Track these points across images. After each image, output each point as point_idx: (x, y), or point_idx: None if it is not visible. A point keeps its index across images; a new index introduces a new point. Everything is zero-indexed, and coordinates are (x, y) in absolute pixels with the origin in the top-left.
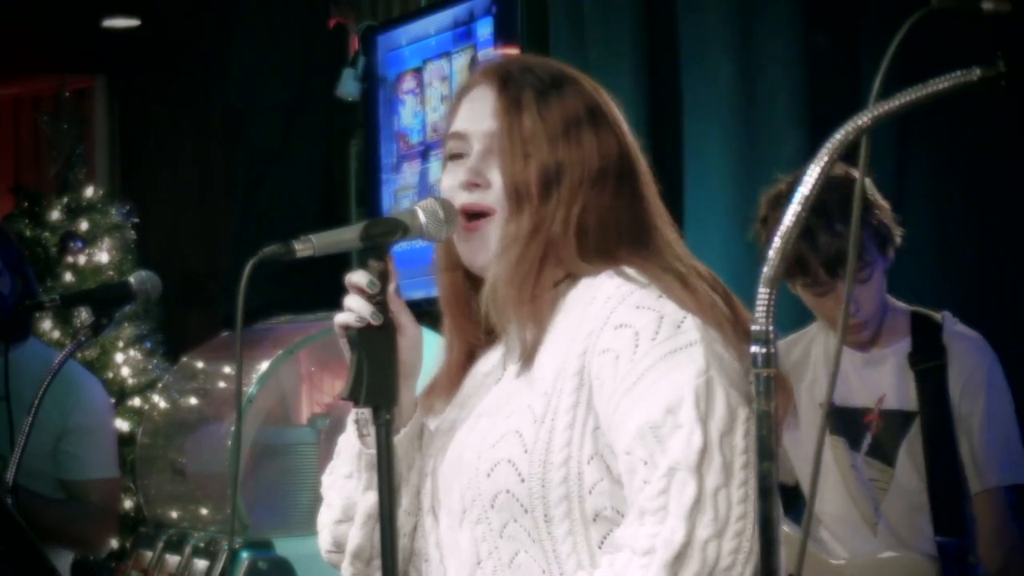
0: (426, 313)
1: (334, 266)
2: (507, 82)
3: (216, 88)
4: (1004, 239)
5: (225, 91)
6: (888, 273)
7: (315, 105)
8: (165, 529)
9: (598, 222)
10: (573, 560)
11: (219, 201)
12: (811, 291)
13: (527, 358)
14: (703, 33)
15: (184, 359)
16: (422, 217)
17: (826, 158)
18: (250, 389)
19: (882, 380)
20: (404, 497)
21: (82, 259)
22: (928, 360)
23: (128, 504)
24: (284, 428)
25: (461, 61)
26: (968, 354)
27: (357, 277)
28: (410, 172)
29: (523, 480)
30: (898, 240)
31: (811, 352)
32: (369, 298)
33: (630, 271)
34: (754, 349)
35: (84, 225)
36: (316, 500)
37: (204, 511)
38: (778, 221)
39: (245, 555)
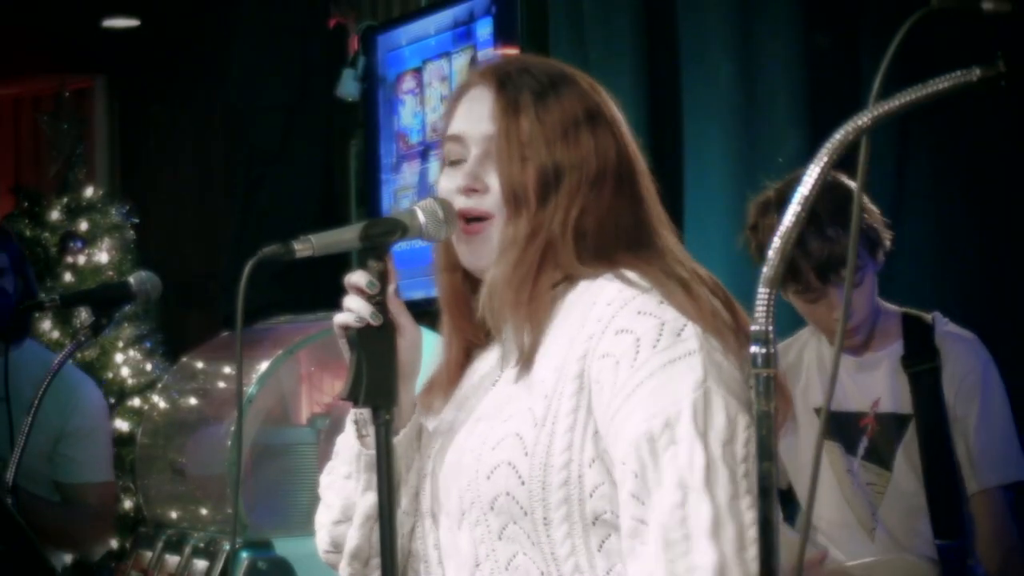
0: (426, 313)
1: (334, 266)
2: (505, 84)
3: (216, 88)
4: (1004, 239)
5: (225, 91)
6: (885, 274)
7: (315, 105)
8: (165, 529)
9: (596, 224)
10: (571, 562)
11: (219, 201)
12: (803, 297)
13: (525, 361)
14: (703, 33)
15: (184, 359)
16: (421, 217)
17: (826, 158)
18: (250, 389)
19: (876, 384)
20: (403, 498)
21: (82, 259)
22: (921, 362)
23: (128, 504)
24: (284, 428)
25: (461, 61)
26: (962, 355)
27: (356, 277)
28: (410, 172)
29: (523, 483)
30: (888, 244)
31: (803, 357)
32: (368, 298)
33: (631, 275)
34: (754, 349)
35: (84, 225)
36: (316, 500)
37: (204, 511)
38: (767, 228)
39: (245, 555)
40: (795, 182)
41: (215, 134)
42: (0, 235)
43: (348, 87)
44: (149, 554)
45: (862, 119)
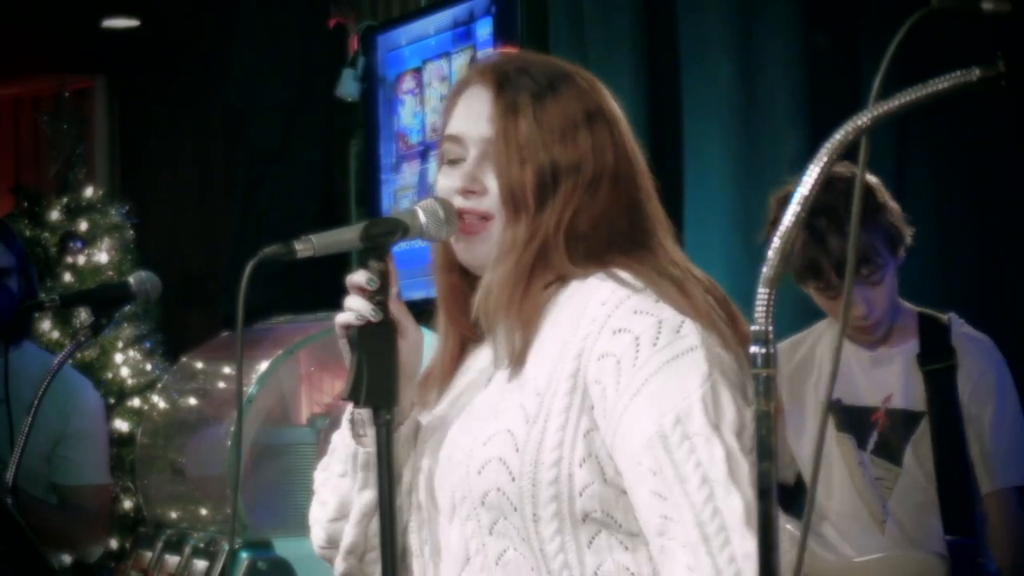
0: (426, 313)
1: (334, 266)
2: (503, 85)
3: (216, 88)
4: (1004, 239)
5: (225, 91)
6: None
7: (315, 105)
8: (165, 529)
9: (590, 225)
10: (560, 559)
11: (219, 201)
12: (824, 294)
13: (517, 360)
14: (703, 33)
15: (184, 359)
16: (422, 217)
17: (826, 158)
18: (250, 389)
19: (889, 379)
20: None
21: (82, 259)
22: (937, 361)
23: (128, 504)
24: (284, 428)
25: (461, 61)
26: (978, 356)
27: (357, 276)
28: (409, 172)
29: (513, 479)
30: (908, 240)
31: (816, 350)
32: (369, 296)
33: (623, 274)
34: (754, 349)
35: (84, 225)
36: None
37: (204, 511)
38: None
39: (245, 555)
40: (824, 180)
41: (215, 134)
42: (6, 235)
43: (348, 87)
44: (149, 554)
45: (862, 119)
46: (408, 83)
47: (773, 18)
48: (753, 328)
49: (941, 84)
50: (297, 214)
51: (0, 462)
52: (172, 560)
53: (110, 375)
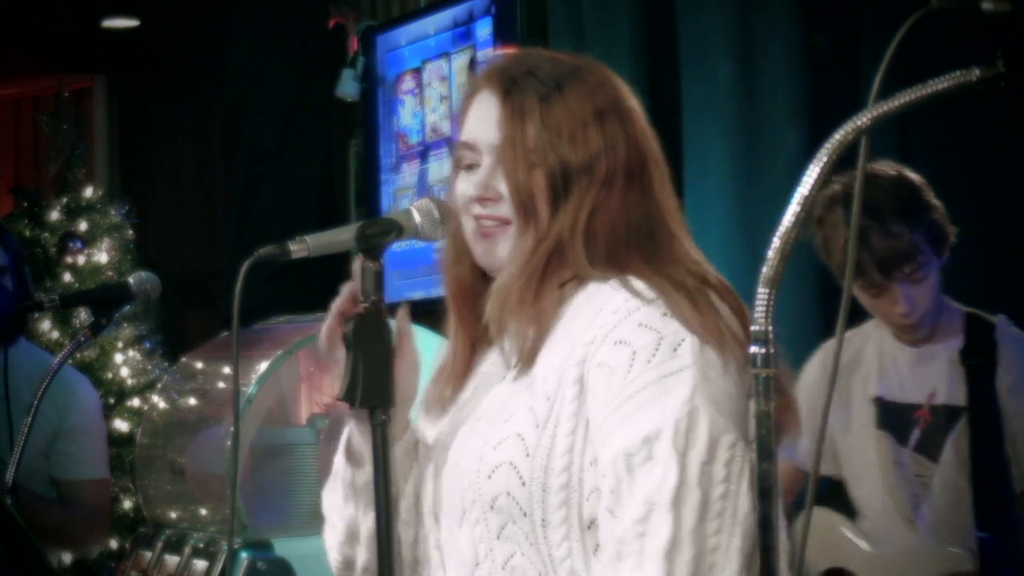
0: (426, 313)
1: (333, 267)
2: (510, 90)
3: (216, 88)
4: (1004, 239)
5: (225, 91)
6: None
7: (315, 105)
8: (165, 529)
9: (607, 223)
10: (567, 565)
11: (219, 201)
12: (867, 292)
13: (527, 360)
14: (703, 33)
15: (183, 359)
16: (417, 217)
17: (826, 158)
18: (249, 389)
19: (934, 376)
20: (402, 509)
21: (81, 259)
22: (978, 356)
23: (128, 504)
24: (284, 428)
25: (460, 61)
26: (1020, 354)
27: (344, 297)
28: (409, 172)
29: (524, 484)
30: (952, 238)
31: (865, 349)
32: (365, 299)
33: (638, 284)
34: (753, 349)
35: (83, 225)
36: (316, 500)
37: (204, 511)
38: (833, 223)
39: (245, 555)
40: (869, 177)
41: (215, 134)
42: (0, 234)
43: (348, 87)
44: (149, 554)
45: (862, 119)
46: (408, 83)
47: (773, 18)
48: (753, 328)
49: (941, 84)
50: (297, 214)
51: (0, 461)
52: (172, 560)
53: (110, 375)
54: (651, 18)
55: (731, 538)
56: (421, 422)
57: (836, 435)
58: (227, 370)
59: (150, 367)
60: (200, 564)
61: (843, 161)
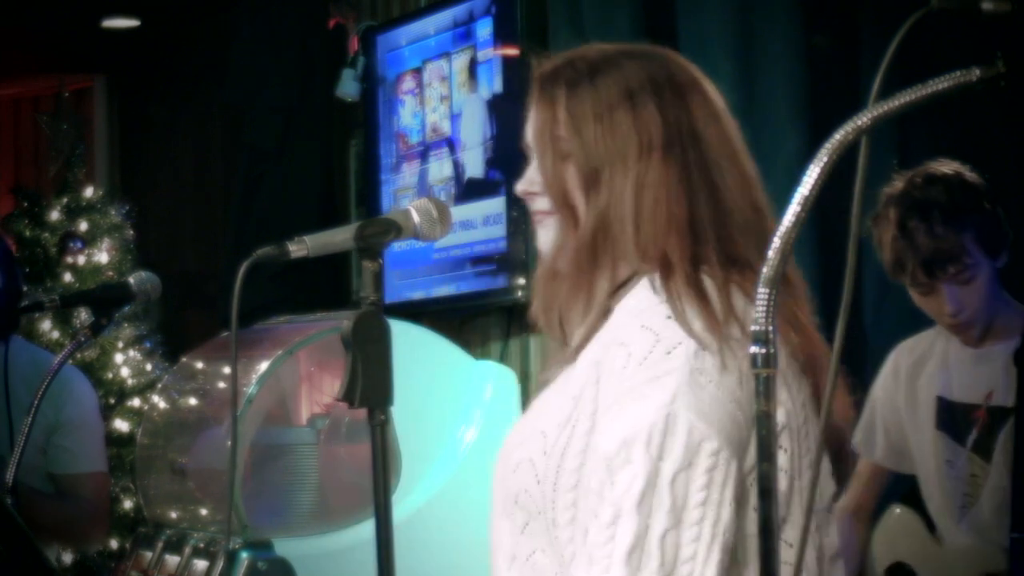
0: (426, 313)
1: (334, 267)
2: (544, 84)
3: (216, 88)
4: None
5: (225, 91)
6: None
7: (315, 105)
8: (165, 529)
9: (651, 205)
10: (575, 565)
11: (219, 201)
12: (914, 290)
13: (571, 358)
14: (703, 33)
15: (184, 359)
16: (415, 217)
17: (826, 158)
18: (250, 389)
19: (992, 376)
20: None
21: (82, 259)
22: None
23: (128, 504)
24: (284, 428)
25: (461, 61)
26: None
27: None
28: (409, 172)
29: (539, 481)
30: (1008, 240)
31: (933, 349)
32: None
33: (656, 282)
34: (754, 349)
35: (84, 225)
36: (316, 500)
37: (204, 511)
38: (885, 221)
39: (245, 555)
40: (922, 176)
41: (215, 134)
42: None
43: (348, 87)
44: (149, 554)
45: (862, 119)
46: (408, 83)
47: (773, 18)
48: (753, 328)
49: (941, 84)
50: (297, 214)
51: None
52: (172, 560)
53: (110, 375)
54: (651, 18)
55: (710, 549)
56: None
57: (908, 433)
58: (227, 370)
59: (150, 367)
60: (200, 564)
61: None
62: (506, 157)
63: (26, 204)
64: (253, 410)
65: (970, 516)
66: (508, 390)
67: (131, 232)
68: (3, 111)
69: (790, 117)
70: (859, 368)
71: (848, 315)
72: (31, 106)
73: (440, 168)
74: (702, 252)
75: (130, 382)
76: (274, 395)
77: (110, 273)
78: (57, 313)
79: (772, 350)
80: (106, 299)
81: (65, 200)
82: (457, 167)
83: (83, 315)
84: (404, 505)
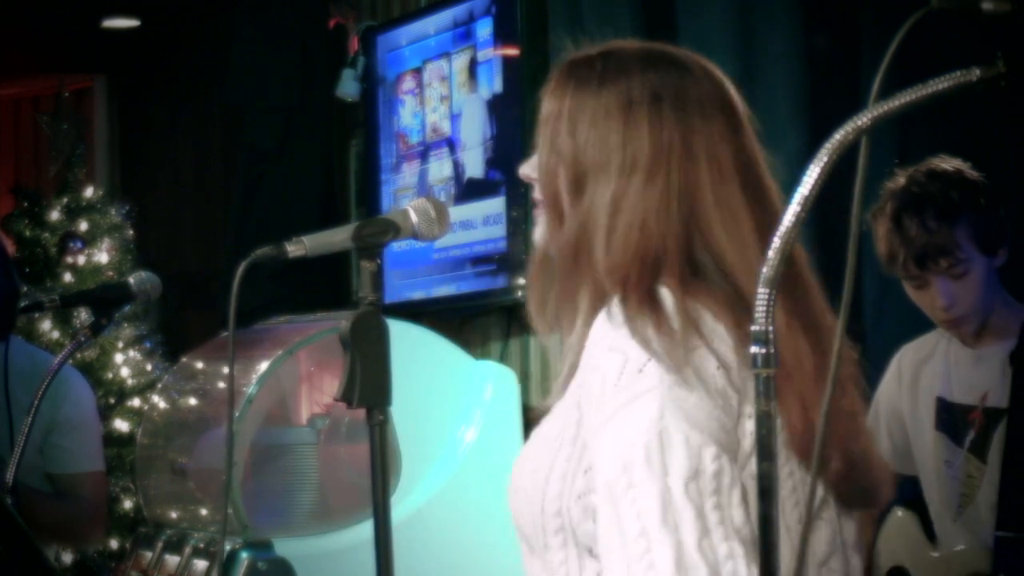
0: (426, 313)
1: (333, 267)
2: (561, 75)
3: (216, 88)
4: None
5: (225, 91)
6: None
7: (315, 105)
8: (165, 529)
9: (623, 229)
10: None
11: (219, 201)
12: (908, 284)
13: (564, 383)
14: (703, 33)
15: (184, 359)
16: (413, 217)
17: (826, 158)
18: (250, 389)
19: (988, 377)
20: None
21: (82, 259)
22: None
23: (128, 504)
24: (284, 428)
25: (461, 61)
26: None
27: None
28: (409, 172)
29: (529, 506)
30: (1006, 238)
31: (936, 350)
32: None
33: (616, 306)
34: (754, 349)
35: (84, 225)
36: (316, 500)
37: (204, 511)
38: (883, 215)
39: (245, 555)
40: (923, 172)
41: (215, 134)
42: None
43: (348, 87)
44: (149, 554)
45: (862, 119)
46: (408, 83)
47: (773, 18)
48: (753, 328)
49: (941, 84)
50: (297, 214)
51: None
52: (172, 560)
53: (110, 375)
54: (651, 18)
55: (742, 544)
56: None
57: (910, 435)
58: (227, 370)
59: (150, 367)
60: (200, 564)
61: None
62: (506, 157)
63: (26, 204)
64: (253, 410)
65: (966, 517)
66: (508, 390)
67: (131, 232)
68: (3, 111)
69: (790, 117)
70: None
71: (848, 315)
72: (31, 106)
73: (440, 168)
74: (663, 274)
75: (130, 382)
76: (274, 395)
77: (110, 273)
78: (57, 313)
79: (772, 350)
80: (106, 299)
81: (65, 200)
82: (457, 167)
83: (83, 315)
84: (404, 505)
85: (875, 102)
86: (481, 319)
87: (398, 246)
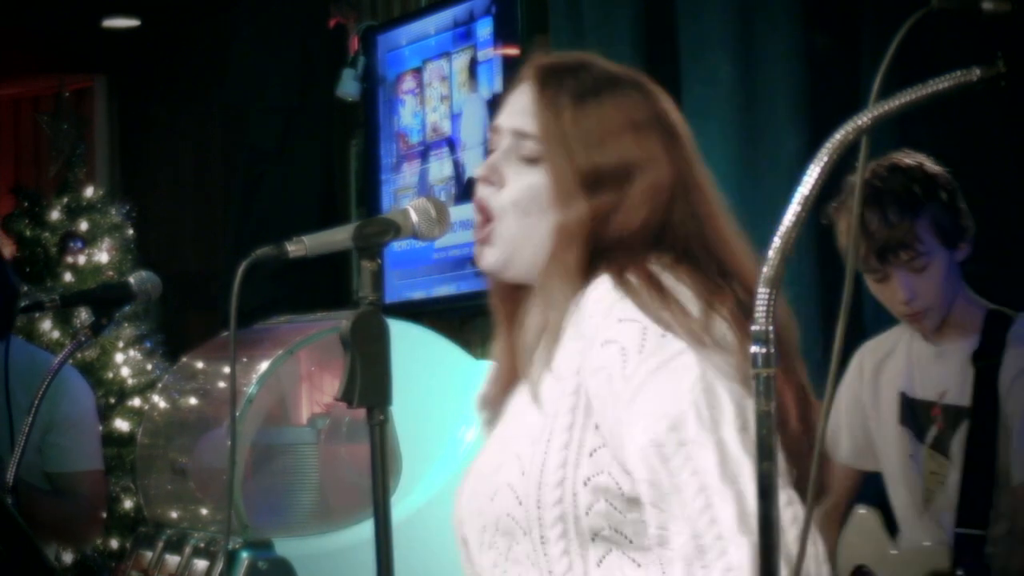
0: (426, 313)
1: (334, 266)
2: (546, 83)
3: (216, 88)
4: (1004, 238)
5: (225, 91)
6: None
7: (315, 105)
8: (165, 529)
9: (624, 230)
10: (665, 561)
11: (219, 201)
12: (869, 277)
13: (537, 378)
14: (703, 33)
15: (184, 359)
16: (414, 216)
17: (826, 158)
18: (250, 389)
19: (948, 375)
20: None
21: (82, 259)
22: (989, 357)
23: (128, 504)
24: (284, 428)
25: (461, 61)
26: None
27: None
28: (410, 172)
29: (520, 503)
30: (968, 233)
31: (899, 346)
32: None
33: (607, 280)
34: (754, 349)
35: (84, 225)
36: (316, 500)
37: (204, 511)
38: (846, 209)
39: (245, 555)
40: (885, 166)
41: (215, 134)
42: None
43: (348, 87)
44: (149, 554)
45: (862, 119)
46: (408, 83)
47: (773, 18)
48: (753, 328)
49: (941, 84)
50: (297, 214)
51: None
52: (172, 560)
53: (110, 375)
54: (651, 18)
55: (794, 491)
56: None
57: (873, 430)
58: (227, 370)
59: (151, 367)
60: (201, 564)
61: (843, 159)
62: None
63: (26, 204)
64: (253, 410)
65: (929, 513)
66: None
67: (131, 232)
68: (3, 111)
69: (790, 117)
70: None
71: (848, 315)
72: (31, 106)
73: (440, 168)
74: (658, 254)
75: (130, 382)
76: (274, 395)
77: (110, 273)
78: (57, 313)
79: (772, 350)
80: (106, 299)
81: (65, 200)
82: (457, 167)
83: (83, 315)
84: (404, 505)
85: (875, 102)
86: (481, 319)
87: (398, 246)
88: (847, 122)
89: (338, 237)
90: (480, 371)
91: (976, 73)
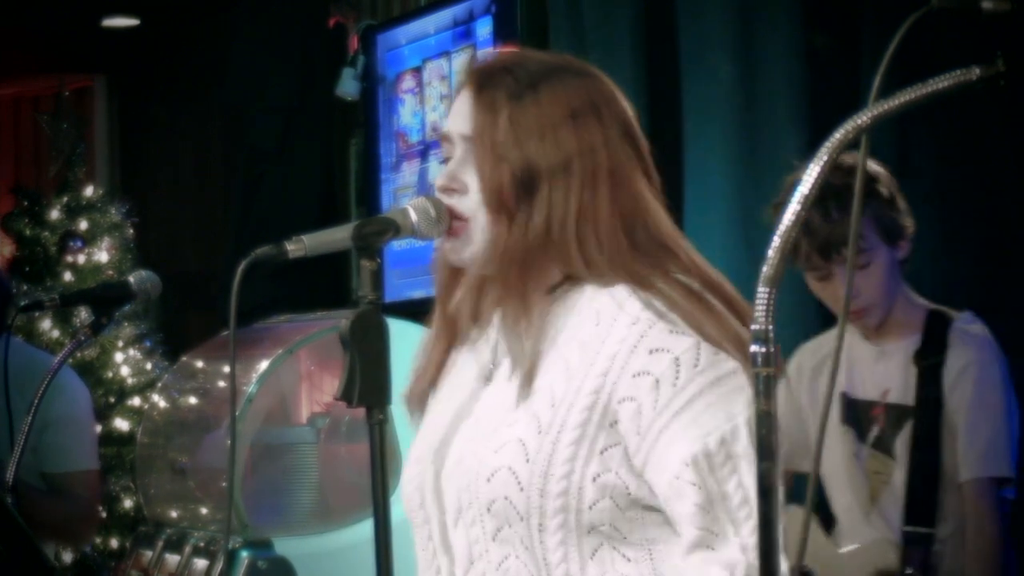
0: (426, 312)
1: (334, 266)
2: (483, 85)
3: (216, 88)
4: (1004, 238)
5: (225, 91)
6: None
7: (315, 105)
8: (165, 529)
9: (601, 225)
10: (562, 569)
11: (219, 201)
12: (812, 275)
13: (530, 372)
14: (703, 33)
15: (184, 359)
16: (413, 216)
17: (826, 158)
18: (250, 389)
19: (890, 374)
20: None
21: (82, 258)
22: (932, 357)
23: (128, 504)
24: (284, 428)
25: (460, 60)
26: (967, 349)
27: None
28: (409, 171)
29: (522, 489)
30: (908, 232)
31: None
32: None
33: (651, 295)
34: (754, 348)
35: (84, 224)
36: (316, 499)
37: (204, 511)
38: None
39: (245, 555)
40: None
41: (215, 134)
42: None
43: (348, 86)
44: (149, 554)
45: (862, 119)
46: (408, 82)
47: (773, 18)
48: (753, 327)
49: (941, 83)
50: (297, 214)
51: None
52: (172, 559)
53: (110, 374)
54: (651, 18)
55: None
56: (409, 420)
57: (810, 430)
58: (227, 369)
59: (150, 366)
60: (200, 563)
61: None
62: None
63: (26, 203)
64: (253, 409)
65: (875, 512)
66: None
67: (131, 232)
68: (3, 111)
69: (790, 117)
70: None
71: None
72: (31, 106)
73: (440, 167)
74: (659, 263)
75: (130, 381)
76: (274, 394)
77: (110, 272)
78: (57, 312)
79: (772, 349)
80: (106, 298)
81: (65, 199)
82: None
83: (83, 314)
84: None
85: (875, 101)
86: None
87: (398, 245)
88: (847, 122)
89: (337, 236)
90: None
91: (976, 72)
